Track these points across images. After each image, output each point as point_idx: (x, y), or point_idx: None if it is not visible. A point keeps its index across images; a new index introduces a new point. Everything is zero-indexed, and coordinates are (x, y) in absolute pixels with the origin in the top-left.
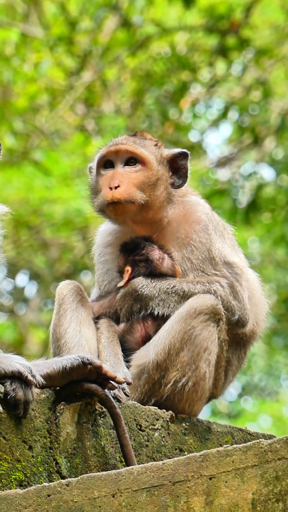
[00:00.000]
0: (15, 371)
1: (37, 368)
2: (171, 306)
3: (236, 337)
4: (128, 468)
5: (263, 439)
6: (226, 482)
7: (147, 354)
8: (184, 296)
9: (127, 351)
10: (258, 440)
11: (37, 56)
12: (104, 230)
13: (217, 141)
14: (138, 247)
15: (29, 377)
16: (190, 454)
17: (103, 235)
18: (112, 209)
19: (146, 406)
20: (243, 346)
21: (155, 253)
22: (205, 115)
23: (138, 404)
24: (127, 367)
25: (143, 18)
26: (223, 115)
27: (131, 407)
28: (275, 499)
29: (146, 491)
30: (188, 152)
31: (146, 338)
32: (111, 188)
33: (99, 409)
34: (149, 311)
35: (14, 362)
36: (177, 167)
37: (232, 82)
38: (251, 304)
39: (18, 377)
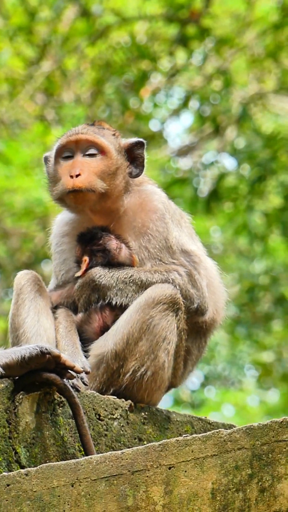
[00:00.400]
0: None
1: None
2: (129, 296)
3: (196, 326)
4: (87, 457)
5: (222, 429)
6: (185, 471)
7: (105, 344)
8: (142, 286)
9: (85, 341)
10: (217, 430)
11: None
12: (61, 220)
13: (178, 130)
14: (95, 237)
15: None
16: (149, 444)
17: (60, 225)
18: (73, 197)
19: (105, 396)
20: (203, 335)
21: (113, 243)
22: (165, 104)
23: (97, 393)
24: (85, 356)
25: (103, 8)
26: (184, 104)
27: (90, 397)
28: (235, 489)
29: (105, 481)
30: (145, 141)
31: (104, 328)
32: (71, 177)
33: (58, 399)
34: (107, 301)
35: None
36: (134, 156)
37: (193, 72)
38: (210, 292)
39: None
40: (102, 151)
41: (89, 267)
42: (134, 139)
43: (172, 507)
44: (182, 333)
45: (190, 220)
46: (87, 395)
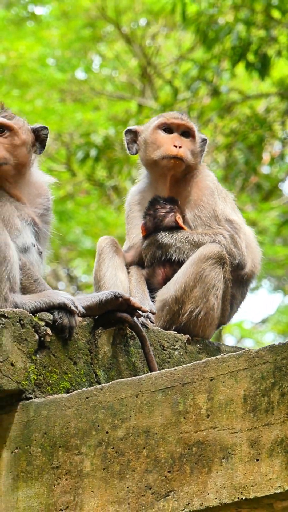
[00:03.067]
0: (61, 303)
1: (79, 301)
2: (185, 253)
3: (239, 277)
4: (147, 374)
5: (251, 348)
6: (223, 382)
7: (167, 291)
8: (195, 245)
9: (152, 291)
10: (248, 349)
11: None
12: (135, 189)
13: None
14: (154, 204)
15: (72, 307)
16: (195, 362)
17: (133, 194)
18: (173, 162)
19: (168, 331)
20: (245, 284)
21: (162, 210)
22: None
23: (161, 329)
24: (152, 301)
25: (229, 88)
26: None
27: (156, 332)
28: (262, 394)
29: (162, 392)
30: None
31: (166, 280)
32: (176, 146)
33: (130, 333)
34: (168, 257)
35: (61, 296)
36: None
37: None
38: (248, 251)
39: (63, 308)
40: (193, 135)
41: (146, 230)
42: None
43: (213, 410)
44: (228, 281)
45: (233, 198)
46: (153, 331)
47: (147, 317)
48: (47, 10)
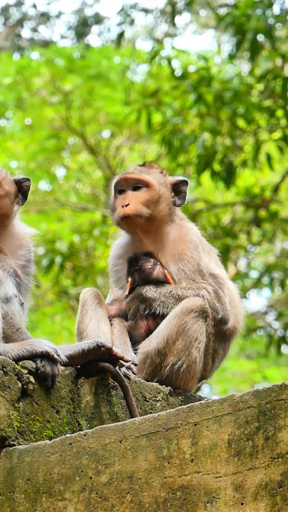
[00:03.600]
0: (43, 351)
1: (62, 350)
2: (169, 307)
3: (222, 333)
4: (131, 419)
5: (235, 393)
6: (207, 427)
7: (150, 344)
8: (179, 299)
9: (134, 344)
10: (232, 394)
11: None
12: (117, 243)
13: None
14: (137, 260)
15: (55, 355)
16: (179, 407)
17: (115, 248)
18: (124, 222)
19: (150, 383)
20: (227, 340)
21: (148, 264)
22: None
23: (143, 380)
24: (135, 353)
25: (195, 197)
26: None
27: (138, 383)
28: (246, 438)
29: (146, 437)
30: (187, 180)
31: (149, 333)
32: (123, 206)
33: (112, 383)
34: (152, 311)
35: (43, 345)
36: (179, 191)
37: (267, 251)
38: (231, 307)
39: (46, 356)
40: (146, 185)
41: (133, 285)
42: (180, 177)
43: (197, 454)
44: (210, 335)
45: (217, 253)
46: (135, 382)
47: (129, 368)
48: (11, 121)
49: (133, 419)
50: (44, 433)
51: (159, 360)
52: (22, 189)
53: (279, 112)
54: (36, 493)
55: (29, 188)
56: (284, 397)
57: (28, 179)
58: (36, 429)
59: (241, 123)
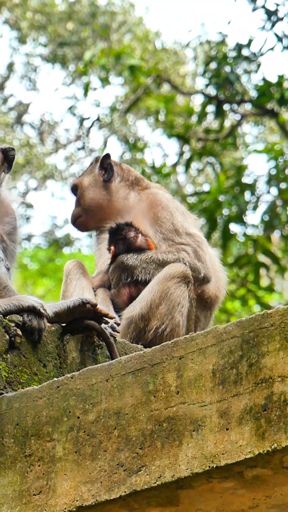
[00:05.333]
0: (30, 306)
1: (48, 307)
2: (151, 273)
3: (203, 300)
4: (117, 359)
5: (219, 325)
6: (192, 359)
7: (133, 309)
8: (160, 264)
9: (118, 312)
10: (215, 326)
11: None
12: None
13: None
14: (119, 230)
15: (41, 310)
16: (164, 343)
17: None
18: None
19: (134, 344)
20: (209, 308)
21: (131, 233)
22: None
23: (128, 341)
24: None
25: None
26: None
27: (122, 343)
28: (230, 367)
29: (132, 374)
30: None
31: (131, 299)
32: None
33: (97, 342)
34: (134, 278)
35: (30, 299)
36: (105, 167)
37: None
38: (212, 274)
39: (32, 310)
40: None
41: (116, 254)
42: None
43: (183, 386)
44: (192, 300)
45: (195, 218)
46: (119, 342)
47: (112, 327)
48: None
49: (120, 358)
50: (32, 385)
51: (143, 325)
52: (8, 157)
53: (251, 302)
54: (25, 437)
55: (14, 157)
56: (267, 325)
57: (13, 149)
58: (23, 381)
59: None
